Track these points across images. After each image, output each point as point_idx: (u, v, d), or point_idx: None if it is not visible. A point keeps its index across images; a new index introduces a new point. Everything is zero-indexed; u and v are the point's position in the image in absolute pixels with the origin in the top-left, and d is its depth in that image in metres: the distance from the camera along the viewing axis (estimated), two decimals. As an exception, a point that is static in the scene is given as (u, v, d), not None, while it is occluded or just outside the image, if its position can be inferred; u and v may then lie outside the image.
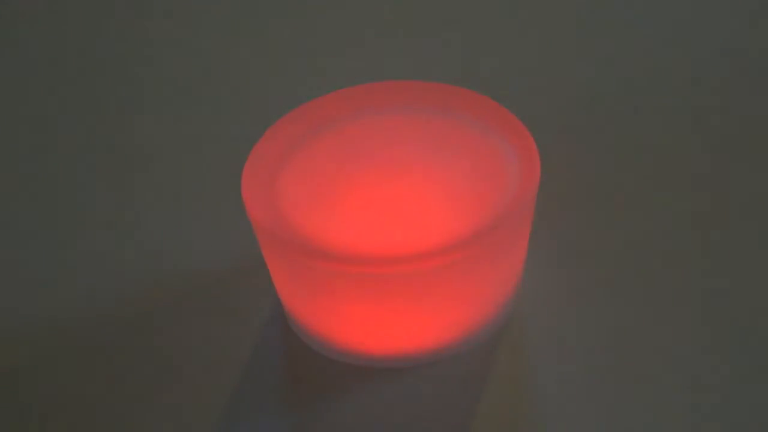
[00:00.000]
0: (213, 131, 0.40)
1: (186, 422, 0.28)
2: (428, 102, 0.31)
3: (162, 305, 0.32)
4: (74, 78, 0.44)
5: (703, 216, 0.34)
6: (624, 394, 0.28)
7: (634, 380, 0.28)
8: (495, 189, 0.27)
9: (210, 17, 0.48)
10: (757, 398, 0.28)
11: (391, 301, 0.27)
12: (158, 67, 0.44)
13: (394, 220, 0.27)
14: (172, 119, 0.41)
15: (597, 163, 0.37)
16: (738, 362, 0.29)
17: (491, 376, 0.29)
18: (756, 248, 0.33)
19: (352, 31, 0.46)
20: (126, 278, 0.33)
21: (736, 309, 0.30)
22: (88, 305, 0.32)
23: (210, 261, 0.33)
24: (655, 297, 0.31)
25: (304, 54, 0.44)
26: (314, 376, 0.29)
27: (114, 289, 0.33)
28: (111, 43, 0.46)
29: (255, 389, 0.29)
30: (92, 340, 0.31)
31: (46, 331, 0.31)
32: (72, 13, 0.49)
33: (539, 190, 0.36)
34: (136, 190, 0.37)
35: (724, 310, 0.30)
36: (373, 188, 0.28)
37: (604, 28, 0.45)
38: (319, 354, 0.30)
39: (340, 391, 0.29)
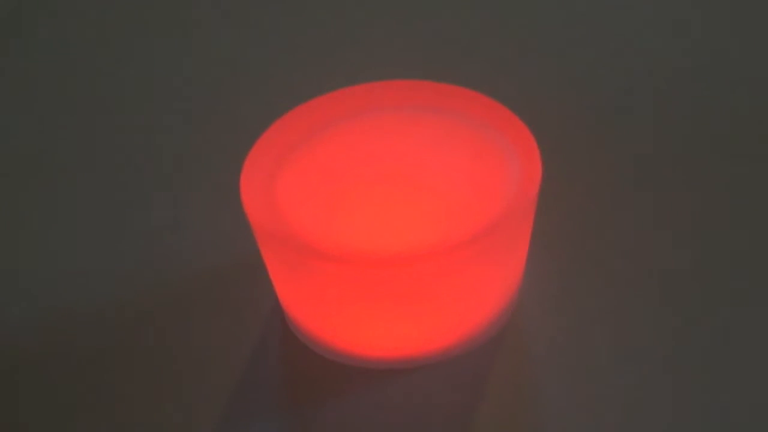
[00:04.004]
0: (212, 131, 0.40)
1: (186, 422, 0.28)
2: (429, 101, 0.31)
3: (162, 305, 0.32)
4: (73, 76, 0.44)
5: (705, 216, 0.34)
6: (625, 394, 0.28)
7: (634, 381, 0.28)
8: (496, 189, 0.27)
9: (211, 17, 0.48)
10: (759, 399, 0.28)
11: (390, 302, 0.27)
12: (158, 65, 0.44)
13: (393, 220, 0.27)
14: (171, 119, 0.41)
15: (599, 163, 0.36)
16: (740, 363, 0.29)
17: (492, 377, 0.29)
18: (757, 248, 0.32)
19: (352, 31, 0.46)
20: (126, 278, 0.33)
21: (737, 309, 0.30)
22: (88, 305, 0.32)
23: (210, 261, 0.33)
24: (656, 297, 0.31)
25: (303, 54, 0.44)
26: (314, 377, 0.29)
27: (114, 289, 0.33)
28: (111, 42, 0.46)
29: (254, 389, 0.29)
30: (92, 340, 0.31)
31: (45, 330, 0.31)
32: (71, 11, 0.49)
33: (540, 190, 0.36)
34: (135, 190, 0.37)
35: (726, 311, 0.30)
36: (372, 188, 0.28)
37: (605, 26, 0.44)
38: (319, 354, 0.30)
39: (340, 392, 0.29)
